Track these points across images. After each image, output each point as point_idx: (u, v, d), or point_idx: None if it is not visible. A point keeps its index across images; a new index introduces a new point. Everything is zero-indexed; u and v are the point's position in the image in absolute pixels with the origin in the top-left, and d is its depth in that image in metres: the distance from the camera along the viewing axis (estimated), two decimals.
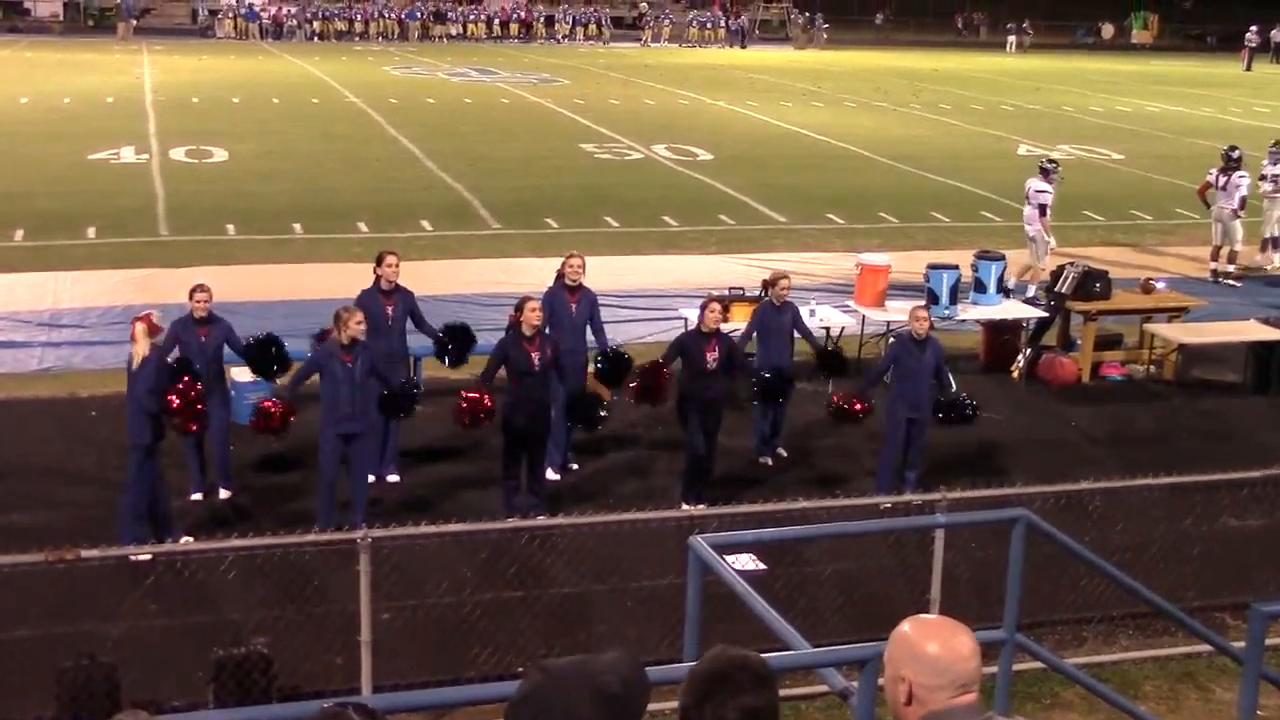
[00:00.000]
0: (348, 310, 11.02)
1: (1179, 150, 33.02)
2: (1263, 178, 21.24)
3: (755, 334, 12.84)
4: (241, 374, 12.51)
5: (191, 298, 11.56)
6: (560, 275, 12.61)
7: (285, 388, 11.25)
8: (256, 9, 65.06)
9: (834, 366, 13.02)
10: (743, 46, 69.20)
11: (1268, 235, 21.40)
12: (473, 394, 11.29)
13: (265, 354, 11.58)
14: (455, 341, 12.45)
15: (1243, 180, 20.15)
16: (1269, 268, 21.25)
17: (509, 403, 11.28)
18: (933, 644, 3.52)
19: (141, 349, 10.43)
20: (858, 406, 12.02)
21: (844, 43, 70.55)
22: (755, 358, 12.60)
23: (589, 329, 12.71)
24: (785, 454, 13.25)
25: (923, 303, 13.05)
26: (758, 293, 14.12)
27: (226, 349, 11.66)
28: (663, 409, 13.04)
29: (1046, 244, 18.91)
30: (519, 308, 11.36)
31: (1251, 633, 7.32)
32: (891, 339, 12.71)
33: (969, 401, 12.21)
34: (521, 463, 11.37)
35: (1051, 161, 19.93)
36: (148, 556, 9.60)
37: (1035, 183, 19.16)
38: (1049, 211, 18.94)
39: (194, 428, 10.70)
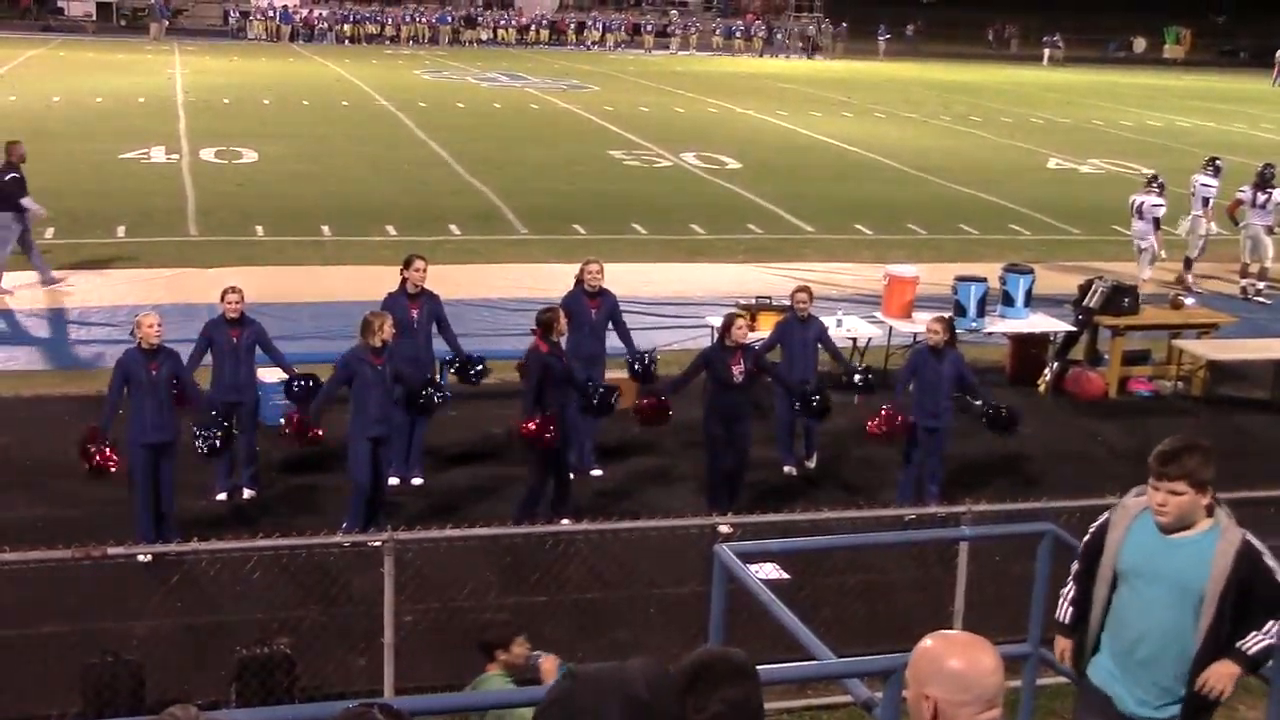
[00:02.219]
0: (378, 314, 11.04)
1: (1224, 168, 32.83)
2: None
3: (779, 346, 12.84)
4: (269, 375, 12.54)
5: (223, 299, 11.63)
6: (580, 280, 12.63)
7: (317, 401, 11.21)
8: (290, 11, 65.34)
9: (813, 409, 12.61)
10: (810, 56, 69.24)
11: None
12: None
13: (304, 390, 11.58)
14: (463, 369, 12.64)
15: None
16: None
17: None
18: (957, 660, 3.52)
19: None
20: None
21: (868, 53, 70.40)
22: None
23: (614, 334, 12.75)
24: (813, 465, 13.23)
25: (940, 314, 12.99)
26: (786, 302, 14.08)
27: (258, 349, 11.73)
28: (688, 415, 13.06)
29: (1157, 256, 19.78)
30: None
31: (1277, 648, 7.27)
32: (913, 349, 12.67)
33: (1003, 413, 12.15)
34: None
35: (1155, 177, 20.40)
36: (174, 553, 9.62)
37: (1149, 198, 19.60)
38: (1161, 224, 19.64)
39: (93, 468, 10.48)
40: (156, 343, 10.53)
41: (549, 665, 6.53)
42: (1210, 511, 5.90)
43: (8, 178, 17.43)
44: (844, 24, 72.92)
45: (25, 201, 17.52)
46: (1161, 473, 5.86)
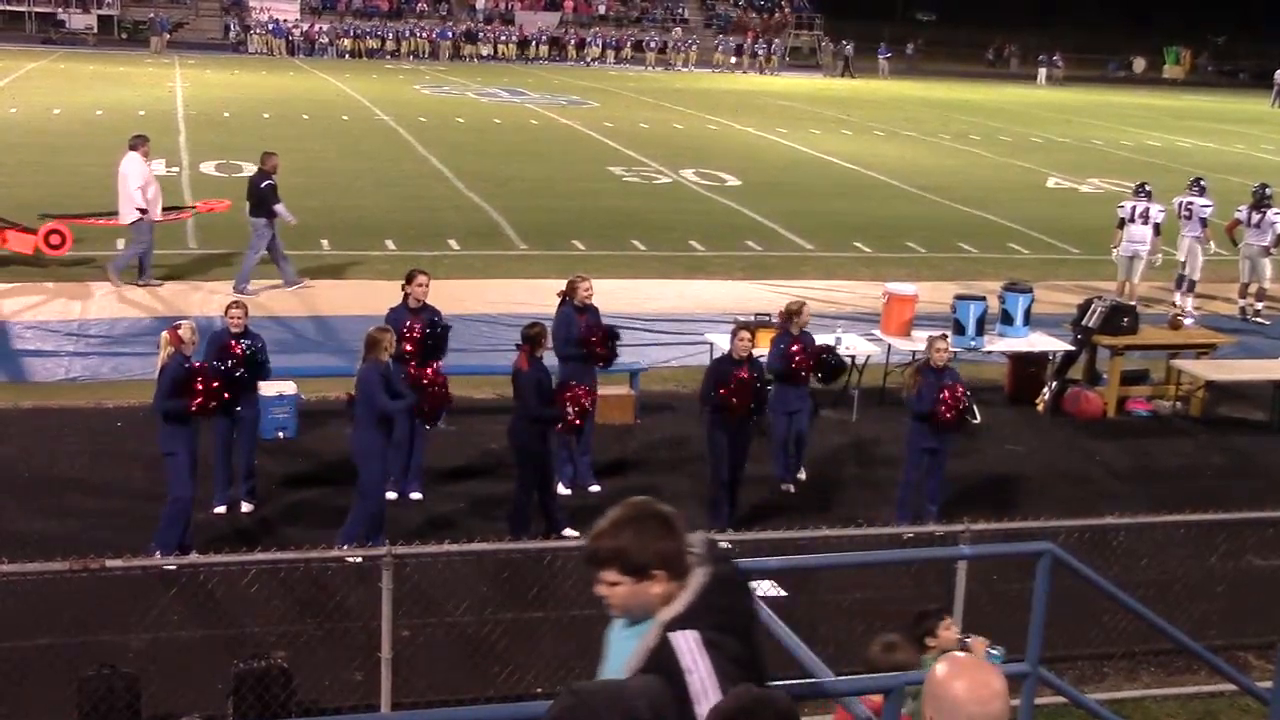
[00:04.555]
0: (384, 330, 11.06)
1: (1210, 187, 32.87)
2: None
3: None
4: (268, 389, 12.55)
5: (227, 314, 11.68)
6: (571, 296, 12.60)
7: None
8: (283, 25, 65.46)
9: (830, 370, 13.10)
10: (844, 75, 69.52)
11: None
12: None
13: None
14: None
15: (1278, 218, 20.14)
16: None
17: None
18: (954, 685, 3.56)
19: (160, 358, 10.61)
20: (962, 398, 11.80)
21: (869, 71, 70.55)
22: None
23: None
24: (804, 477, 13.23)
25: (942, 333, 13.00)
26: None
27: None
28: (684, 432, 13.08)
29: (1152, 263, 20.24)
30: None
31: (1278, 672, 7.27)
32: (913, 368, 12.66)
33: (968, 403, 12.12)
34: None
35: (1144, 184, 20.87)
36: (172, 566, 9.62)
37: (1152, 205, 20.05)
38: (1160, 231, 20.10)
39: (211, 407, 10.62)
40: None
41: (978, 647, 6.89)
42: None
43: (263, 185, 18.56)
44: (844, 42, 73.05)
45: (278, 208, 18.61)
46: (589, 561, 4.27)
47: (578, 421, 11.57)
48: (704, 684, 3.79)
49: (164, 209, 19.48)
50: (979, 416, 14.25)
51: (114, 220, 19.40)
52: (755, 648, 4.04)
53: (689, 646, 3.88)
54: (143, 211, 18.56)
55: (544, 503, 11.37)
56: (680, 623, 3.95)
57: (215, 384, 10.44)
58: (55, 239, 19.39)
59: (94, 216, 20.49)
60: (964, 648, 6.91)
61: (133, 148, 18.88)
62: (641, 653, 3.99)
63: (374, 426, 10.77)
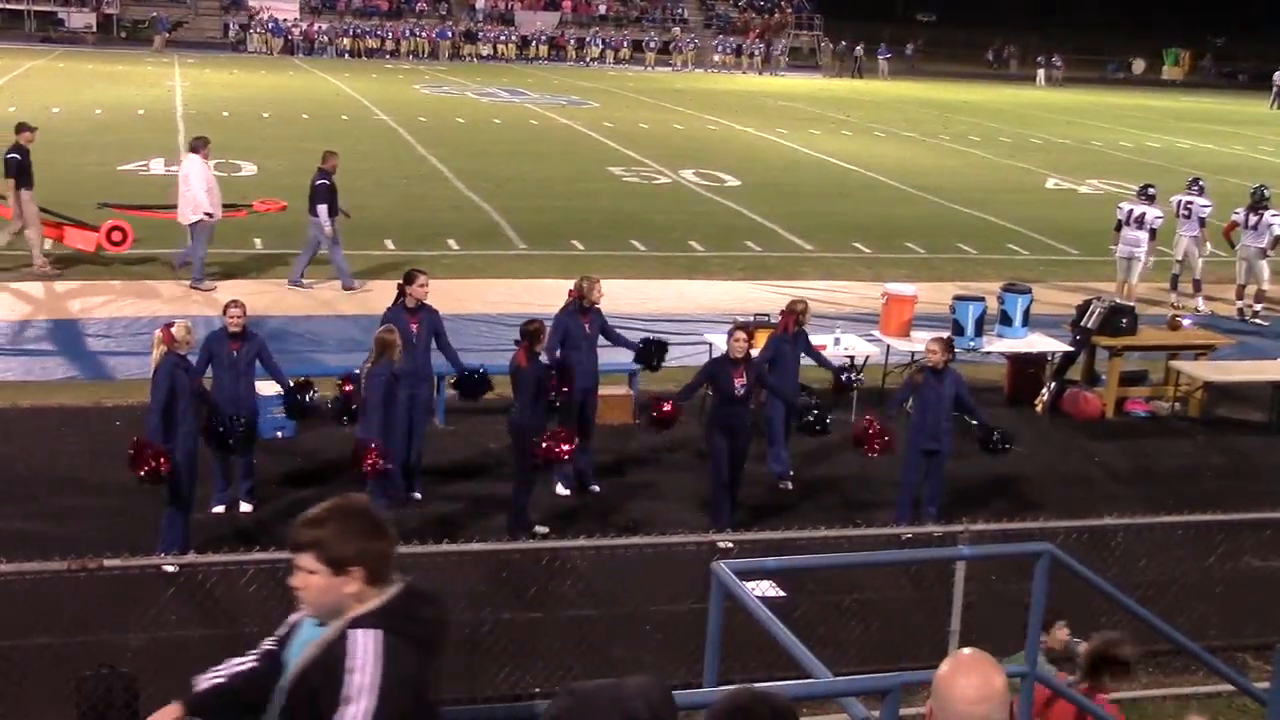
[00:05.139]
0: (391, 331, 11.11)
1: (1209, 188, 32.89)
2: None
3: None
4: (266, 389, 12.54)
5: (225, 313, 11.65)
6: (580, 297, 12.59)
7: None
8: (282, 25, 65.46)
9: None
10: (854, 76, 69.43)
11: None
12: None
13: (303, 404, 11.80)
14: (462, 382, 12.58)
15: (1275, 219, 20.13)
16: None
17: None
18: (950, 680, 3.60)
19: (154, 357, 10.62)
20: (666, 408, 11.92)
21: (868, 71, 70.60)
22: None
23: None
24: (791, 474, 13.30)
25: (940, 334, 13.01)
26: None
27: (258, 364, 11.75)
28: (685, 432, 13.06)
29: (1147, 266, 20.16)
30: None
31: (1276, 673, 7.27)
32: (915, 369, 12.70)
33: (997, 436, 12.16)
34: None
35: (1147, 187, 20.84)
36: (173, 568, 9.60)
37: (1150, 209, 20.00)
38: (1156, 236, 20.09)
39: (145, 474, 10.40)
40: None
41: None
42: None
43: (317, 183, 18.72)
44: (844, 42, 73.08)
45: (319, 209, 18.68)
46: (292, 545, 4.24)
47: (563, 455, 11.46)
48: (360, 689, 3.78)
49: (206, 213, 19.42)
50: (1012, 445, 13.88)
51: (171, 214, 19.48)
52: (434, 664, 3.99)
53: (365, 647, 3.86)
54: (209, 215, 18.71)
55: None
56: (367, 620, 3.91)
57: (162, 459, 10.24)
58: (117, 235, 19.58)
59: (152, 209, 20.58)
60: (1074, 652, 7.25)
61: (194, 150, 19.02)
62: (319, 643, 4.00)
63: (375, 427, 10.80)
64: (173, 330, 10.60)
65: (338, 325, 17.28)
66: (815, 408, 12.39)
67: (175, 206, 19.19)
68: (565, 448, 11.28)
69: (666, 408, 11.86)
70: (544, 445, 11.15)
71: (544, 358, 11.74)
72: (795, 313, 12.98)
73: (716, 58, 71.35)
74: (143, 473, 10.15)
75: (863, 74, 69.81)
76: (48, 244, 19.26)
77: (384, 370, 10.83)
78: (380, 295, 18.56)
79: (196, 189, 18.56)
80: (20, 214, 18.88)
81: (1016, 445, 12.58)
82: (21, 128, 19.23)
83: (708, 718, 3.46)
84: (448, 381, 13.36)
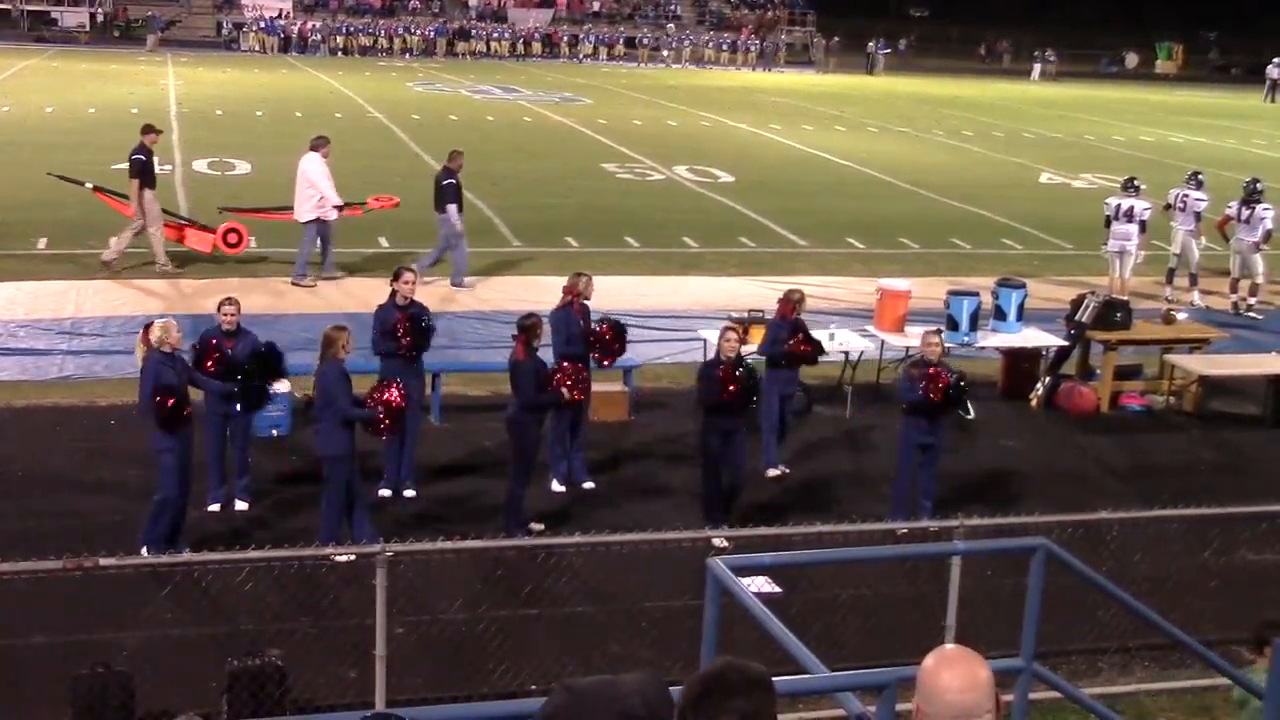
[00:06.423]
0: (340, 328, 10.91)
1: (1204, 181, 32.96)
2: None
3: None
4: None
5: (219, 310, 11.63)
6: (575, 295, 12.58)
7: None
8: (276, 23, 65.42)
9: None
10: (871, 72, 69.54)
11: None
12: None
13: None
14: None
15: (1267, 213, 20.14)
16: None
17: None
18: (935, 674, 3.61)
19: (137, 356, 10.68)
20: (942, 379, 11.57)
21: (861, 67, 70.59)
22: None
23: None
24: (787, 470, 13.31)
25: (935, 328, 12.99)
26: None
27: None
28: (680, 428, 13.05)
29: (1138, 260, 20.15)
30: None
31: (1274, 666, 7.26)
32: (908, 364, 12.67)
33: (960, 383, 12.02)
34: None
35: (1133, 179, 20.87)
36: (167, 565, 9.60)
37: (1138, 202, 19.98)
38: (1147, 228, 20.09)
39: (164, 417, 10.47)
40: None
41: None
42: None
43: (444, 183, 19.14)
44: (837, 38, 73.10)
45: (449, 208, 19.07)
46: None
47: (577, 396, 11.60)
48: None
49: (335, 206, 19.60)
50: (973, 411, 14.27)
51: (288, 215, 19.64)
52: None
53: None
54: (340, 209, 19.11)
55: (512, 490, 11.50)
56: None
57: (170, 402, 10.32)
58: (233, 237, 19.89)
59: (270, 210, 20.85)
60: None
61: (314, 148, 19.23)
62: None
63: (340, 428, 10.68)
64: (150, 333, 10.60)
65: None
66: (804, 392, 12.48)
67: (291, 208, 19.38)
68: (577, 395, 11.53)
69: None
70: (561, 378, 11.38)
71: (549, 359, 11.72)
72: (792, 301, 13.02)
73: (711, 53, 71.34)
74: (161, 419, 10.32)
75: (874, 70, 69.74)
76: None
77: (331, 368, 10.73)
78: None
79: (324, 188, 18.92)
80: (142, 213, 19.27)
81: (1010, 442, 12.57)
82: (148, 129, 19.68)
83: (687, 686, 3.46)
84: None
